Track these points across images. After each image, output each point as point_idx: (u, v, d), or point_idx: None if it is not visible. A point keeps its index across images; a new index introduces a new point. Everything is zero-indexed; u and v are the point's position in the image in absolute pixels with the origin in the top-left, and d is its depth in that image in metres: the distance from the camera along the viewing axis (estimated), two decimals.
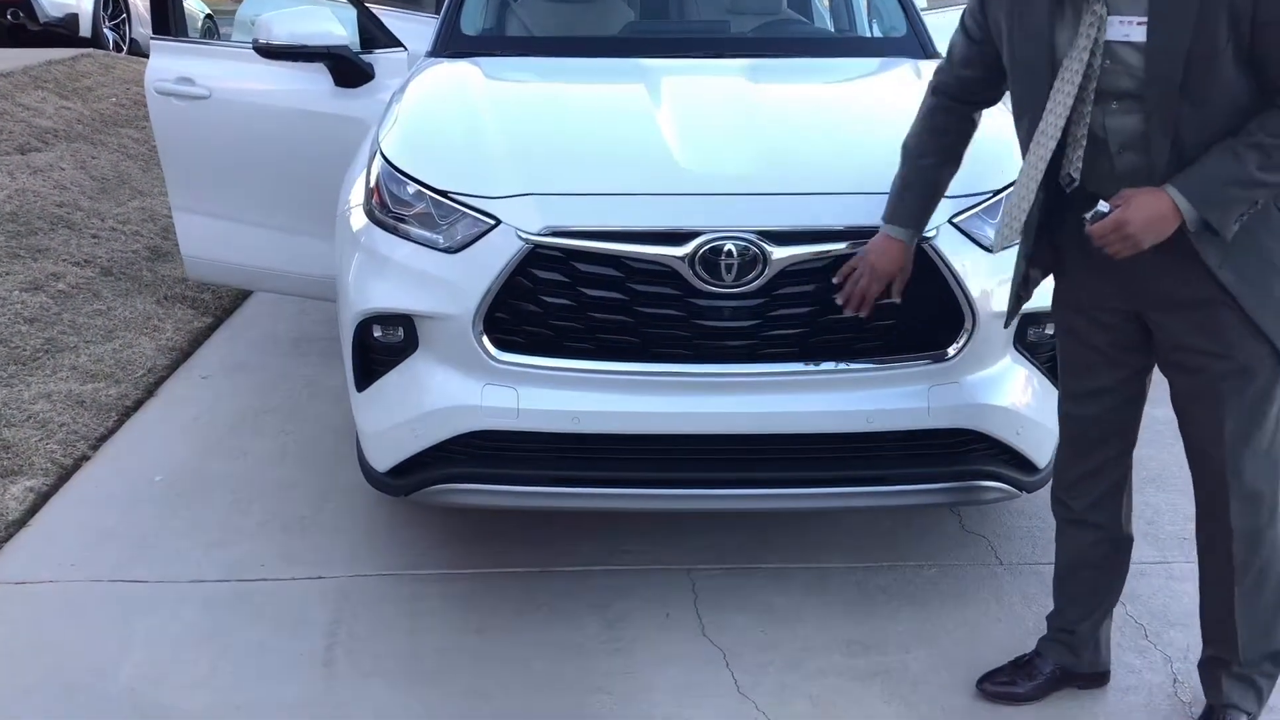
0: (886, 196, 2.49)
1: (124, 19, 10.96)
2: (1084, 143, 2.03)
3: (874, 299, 2.46)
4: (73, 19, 10.18)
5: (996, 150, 2.82)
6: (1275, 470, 2.16)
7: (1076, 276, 2.23)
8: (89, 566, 2.98)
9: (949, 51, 2.35)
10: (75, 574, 2.95)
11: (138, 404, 4.00)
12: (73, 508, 3.32)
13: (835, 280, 2.49)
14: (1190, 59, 1.87)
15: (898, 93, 3.29)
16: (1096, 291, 2.20)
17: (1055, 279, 2.31)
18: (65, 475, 3.47)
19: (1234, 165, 1.88)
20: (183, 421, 3.88)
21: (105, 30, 10.56)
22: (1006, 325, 2.43)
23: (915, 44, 3.65)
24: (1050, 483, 2.52)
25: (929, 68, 3.35)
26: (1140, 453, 3.53)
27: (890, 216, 2.44)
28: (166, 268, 5.27)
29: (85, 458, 3.60)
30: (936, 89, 2.38)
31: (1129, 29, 1.92)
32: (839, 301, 2.48)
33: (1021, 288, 2.31)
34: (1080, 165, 2.05)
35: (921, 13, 3.98)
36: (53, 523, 3.23)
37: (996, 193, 2.67)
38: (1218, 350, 2.07)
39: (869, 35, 4.30)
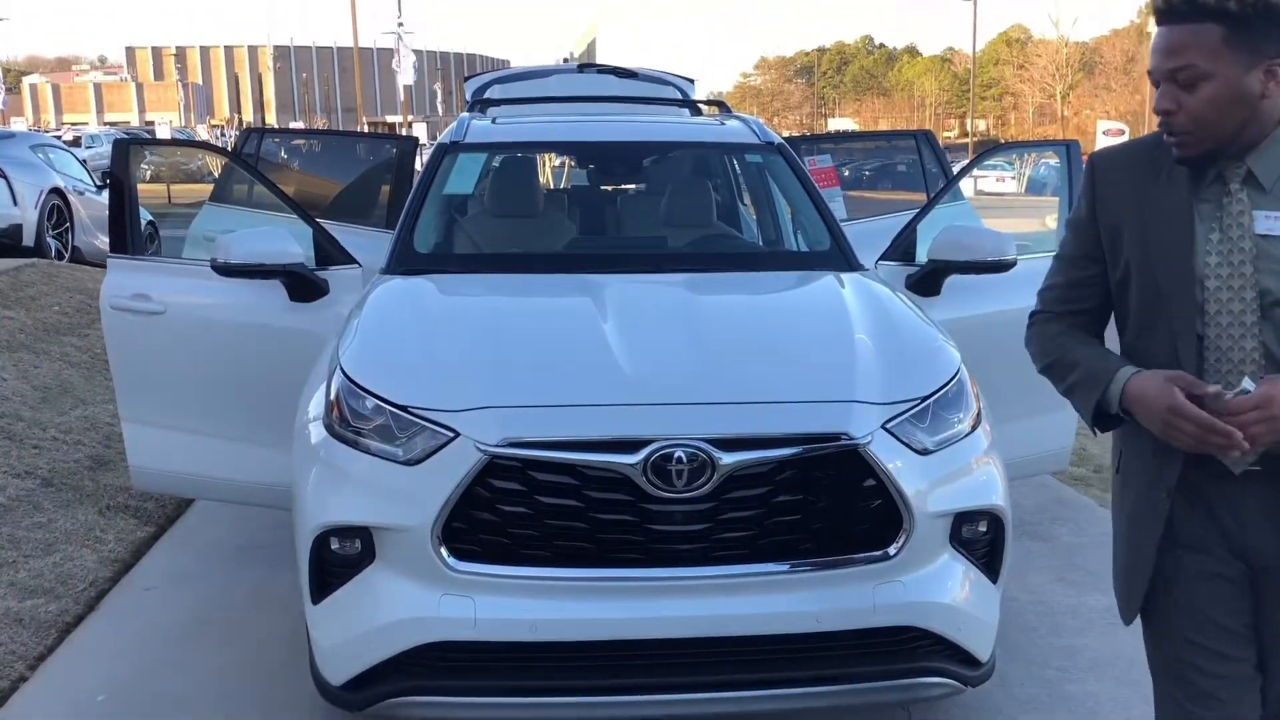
0: (856, 405, 2.69)
1: (67, 227, 11.16)
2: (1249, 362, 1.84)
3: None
4: (16, 229, 10.36)
5: (927, 355, 3.06)
6: None
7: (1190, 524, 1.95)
8: None
9: (1047, 293, 2.12)
10: None
11: (78, 619, 3.93)
12: None
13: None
14: None
15: (826, 304, 3.54)
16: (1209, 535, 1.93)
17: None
18: (2, 699, 3.38)
19: None
20: (126, 636, 3.82)
21: (48, 239, 10.73)
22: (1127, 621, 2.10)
23: (839, 257, 3.91)
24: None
25: (851, 279, 3.64)
26: (1077, 640, 3.67)
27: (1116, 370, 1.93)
28: (109, 476, 5.25)
29: (23, 679, 3.50)
30: (1048, 320, 2.10)
31: (1273, 223, 1.83)
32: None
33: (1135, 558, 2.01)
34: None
35: (841, 223, 4.29)
36: None
37: (925, 399, 2.86)
38: None
39: (796, 249, 4.60)
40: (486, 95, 5.79)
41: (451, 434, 2.70)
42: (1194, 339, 1.87)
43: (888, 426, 2.76)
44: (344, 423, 2.88)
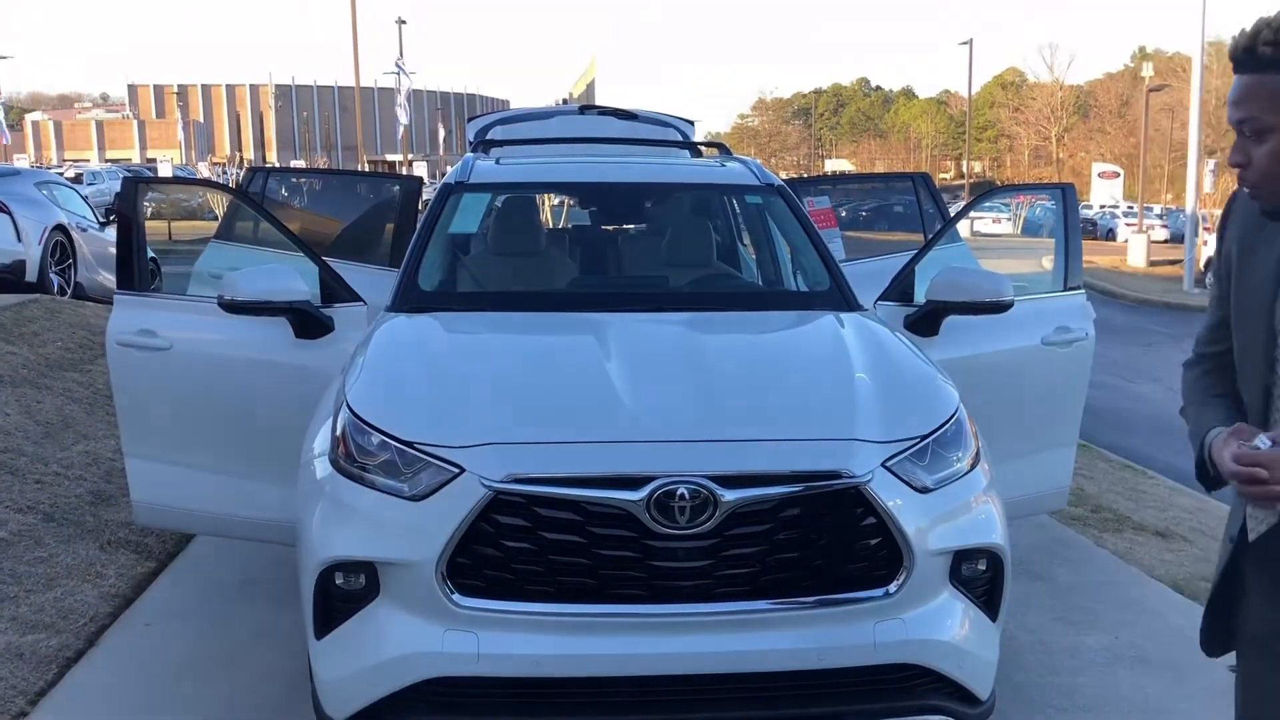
0: (856, 443, 2.72)
1: (70, 263, 11.21)
2: None
3: None
4: (20, 265, 10.40)
5: (926, 394, 3.10)
6: None
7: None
8: None
9: (1200, 335, 2.09)
10: None
11: (79, 654, 3.93)
12: None
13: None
14: None
15: (826, 343, 3.59)
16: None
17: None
18: None
19: None
20: (126, 673, 3.81)
21: (51, 275, 10.78)
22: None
23: (839, 297, 3.96)
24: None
25: (851, 318, 3.68)
26: (1075, 680, 3.68)
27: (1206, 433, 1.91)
28: (110, 512, 5.26)
29: (23, 714, 3.50)
30: (1193, 363, 2.08)
31: None
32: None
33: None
34: None
35: (840, 263, 4.34)
36: None
37: (924, 437, 2.89)
38: None
39: (795, 289, 4.65)
40: (489, 136, 5.87)
41: (456, 470, 2.73)
42: (1262, 394, 1.82)
43: (888, 465, 2.79)
44: (350, 458, 2.91)
